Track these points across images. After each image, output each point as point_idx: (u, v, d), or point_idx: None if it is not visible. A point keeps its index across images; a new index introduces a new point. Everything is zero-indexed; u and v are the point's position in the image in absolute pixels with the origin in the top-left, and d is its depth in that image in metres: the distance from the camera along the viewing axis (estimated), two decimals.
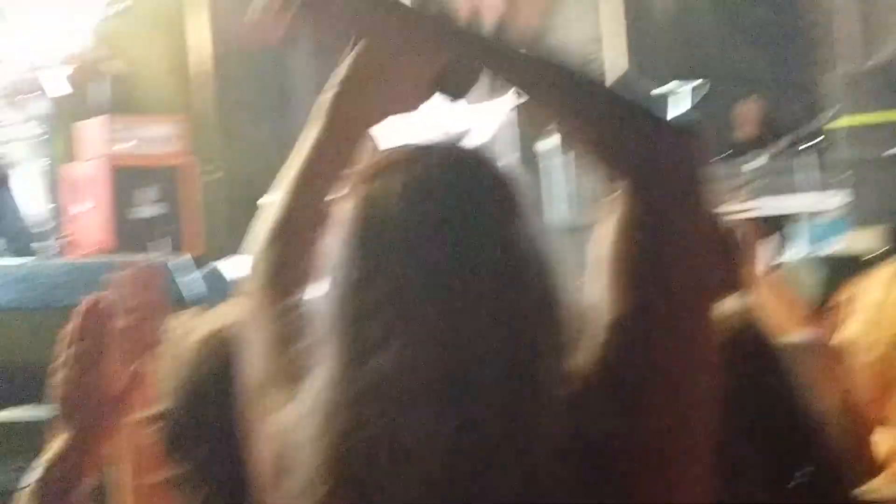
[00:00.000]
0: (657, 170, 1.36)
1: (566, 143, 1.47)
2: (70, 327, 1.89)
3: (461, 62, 1.54)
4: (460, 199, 1.35)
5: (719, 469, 1.36)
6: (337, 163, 1.53)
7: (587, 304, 1.39)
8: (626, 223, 1.35)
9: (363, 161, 1.49)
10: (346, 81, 1.55)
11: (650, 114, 1.41)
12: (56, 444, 1.85)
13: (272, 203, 1.56)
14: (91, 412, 1.86)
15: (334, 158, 1.54)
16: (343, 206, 1.40)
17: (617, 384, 1.32)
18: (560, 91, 1.43)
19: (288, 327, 1.46)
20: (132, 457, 1.88)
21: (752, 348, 1.67)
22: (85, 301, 1.89)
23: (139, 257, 6.74)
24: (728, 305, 1.65)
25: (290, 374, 1.41)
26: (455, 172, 1.37)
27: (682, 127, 1.41)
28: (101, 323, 1.88)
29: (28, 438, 4.28)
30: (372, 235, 1.35)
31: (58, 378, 1.89)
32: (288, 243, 1.52)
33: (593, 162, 1.41)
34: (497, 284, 1.32)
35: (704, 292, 1.39)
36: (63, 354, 1.88)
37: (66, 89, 5.65)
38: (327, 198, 1.52)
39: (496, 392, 1.30)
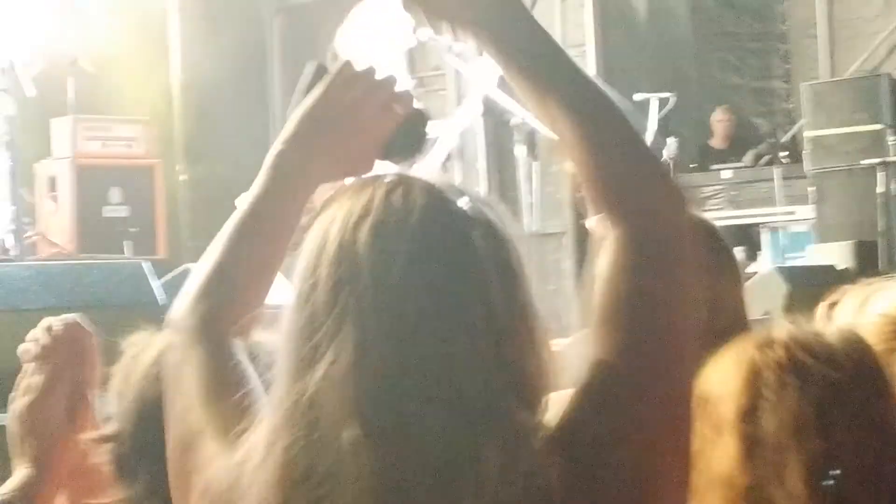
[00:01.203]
0: (654, 220, 1.39)
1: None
2: (35, 353, 1.88)
3: (409, 126, 1.53)
4: (409, 227, 1.33)
5: None
6: (278, 218, 1.53)
7: (572, 345, 1.39)
8: (617, 268, 1.36)
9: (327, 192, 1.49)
10: (292, 140, 1.54)
11: (653, 164, 1.43)
12: (14, 477, 1.84)
13: (209, 250, 1.55)
14: (41, 447, 1.85)
15: (275, 214, 1.53)
16: (303, 234, 1.40)
17: (593, 429, 1.30)
18: (573, 123, 1.42)
19: (224, 374, 1.44)
20: (82, 479, 1.86)
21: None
22: (30, 337, 1.88)
23: (102, 258, 6.70)
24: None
25: (225, 423, 1.39)
26: (405, 199, 1.36)
27: (676, 178, 1.43)
28: (47, 357, 1.87)
29: None
30: (325, 265, 1.33)
31: (10, 412, 1.89)
32: (222, 293, 1.51)
33: (589, 199, 1.42)
34: (454, 311, 1.30)
35: (689, 340, 1.39)
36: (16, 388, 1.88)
37: (32, 90, 5.58)
38: (267, 249, 1.53)
39: (445, 435, 1.27)
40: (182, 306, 1.52)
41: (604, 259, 1.37)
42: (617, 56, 10.12)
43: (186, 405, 1.45)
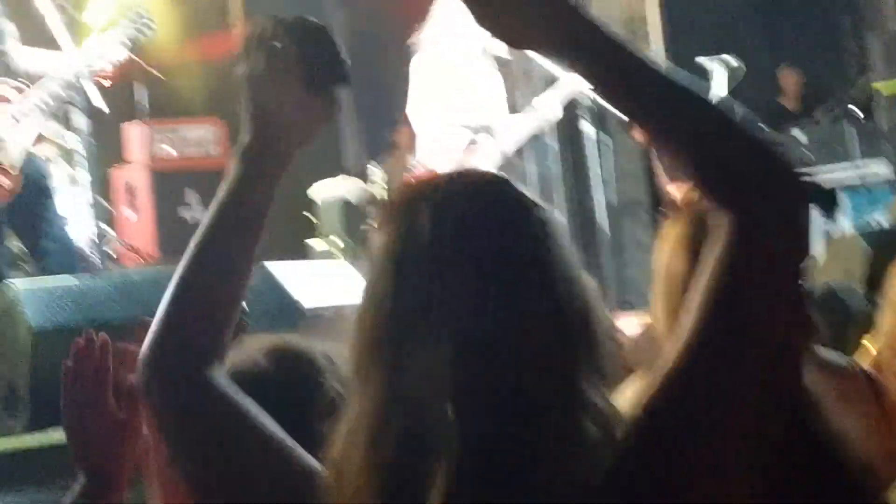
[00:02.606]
0: (769, 209, 1.34)
1: (669, 159, 1.43)
2: (65, 372, 1.91)
3: (320, 50, 1.60)
4: (488, 228, 1.36)
5: None
6: (250, 211, 1.58)
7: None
8: (727, 256, 1.34)
9: (393, 190, 1.51)
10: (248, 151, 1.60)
11: (770, 150, 1.38)
12: (75, 488, 1.88)
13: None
14: (96, 456, 1.89)
15: (247, 205, 1.58)
16: (373, 236, 1.42)
17: (677, 422, 1.30)
18: (680, 115, 1.39)
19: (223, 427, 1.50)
20: (157, 480, 1.89)
21: None
22: (74, 345, 1.92)
23: None
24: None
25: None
26: (482, 200, 1.39)
27: (795, 165, 1.38)
28: (92, 367, 1.90)
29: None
30: (403, 267, 1.37)
31: (63, 421, 1.92)
32: (192, 318, 1.55)
33: (698, 187, 1.39)
34: (527, 305, 1.33)
35: (795, 336, 1.37)
36: (63, 399, 1.91)
37: (104, 105, 5.66)
38: (240, 247, 1.58)
39: (530, 431, 1.30)
40: (151, 341, 1.55)
41: (712, 244, 1.35)
42: (680, 20, 10.02)
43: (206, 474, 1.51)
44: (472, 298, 1.32)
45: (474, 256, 1.34)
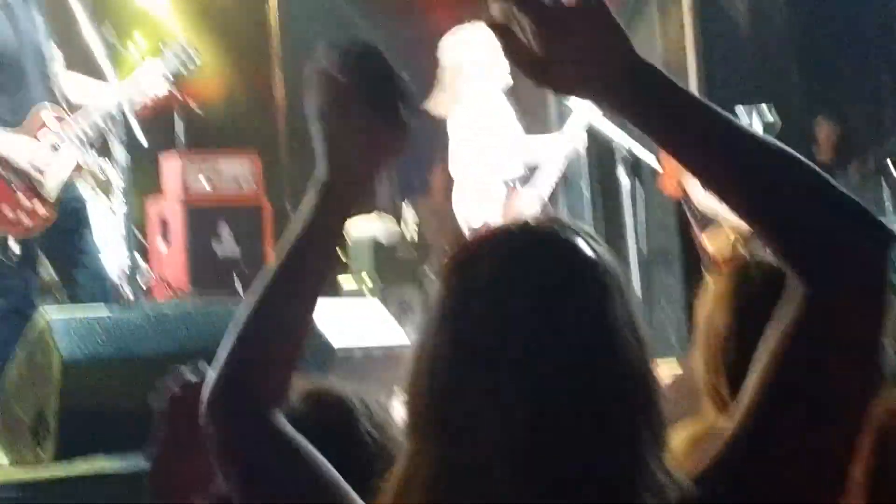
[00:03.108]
0: (847, 283, 1.30)
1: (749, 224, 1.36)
2: (162, 408, 1.89)
3: (383, 82, 1.57)
4: (548, 285, 1.33)
5: None
6: (320, 250, 1.55)
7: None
8: (798, 326, 1.30)
9: (451, 244, 1.50)
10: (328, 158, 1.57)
11: (856, 218, 1.32)
12: None
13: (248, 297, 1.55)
14: (180, 498, 1.87)
15: (319, 247, 1.55)
16: (433, 291, 1.40)
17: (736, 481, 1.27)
18: (758, 174, 1.33)
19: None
20: None
21: None
22: (172, 388, 1.89)
23: (216, 301, 6.79)
24: None
25: None
26: (543, 257, 1.36)
27: (881, 236, 1.31)
28: (190, 412, 1.88)
29: (111, 488, 4.34)
30: (462, 324, 1.34)
31: (149, 455, 1.90)
32: (257, 359, 1.52)
33: (771, 247, 1.34)
34: (591, 370, 1.30)
35: (859, 407, 1.32)
36: (155, 432, 1.89)
37: (144, 140, 5.69)
38: (308, 292, 1.55)
39: (589, 483, 1.28)
40: (217, 383, 1.53)
41: (783, 315, 1.32)
42: (719, 68, 10.02)
43: None
44: (536, 368, 1.30)
45: (536, 323, 1.31)
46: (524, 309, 1.32)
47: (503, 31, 1.41)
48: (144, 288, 7.69)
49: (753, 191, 1.33)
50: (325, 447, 1.61)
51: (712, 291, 2.28)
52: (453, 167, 6.88)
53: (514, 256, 1.36)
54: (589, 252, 1.36)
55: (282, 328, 1.53)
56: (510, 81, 6.62)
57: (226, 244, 8.54)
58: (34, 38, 5.77)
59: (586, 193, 7.85)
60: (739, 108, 7.80)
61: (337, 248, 1.59)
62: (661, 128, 1.37)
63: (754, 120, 7.58)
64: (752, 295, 2.13)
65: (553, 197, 7.23)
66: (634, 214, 7.36)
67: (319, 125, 1.57)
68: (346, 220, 1.58)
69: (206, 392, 1.53)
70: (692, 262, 7.69)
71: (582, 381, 1.30)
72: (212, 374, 1.54)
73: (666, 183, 7.67)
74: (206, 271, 8.36)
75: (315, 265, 1.55)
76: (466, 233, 6.81)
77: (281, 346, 1.53)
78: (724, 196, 1.36)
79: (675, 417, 1.63)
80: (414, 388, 1.37)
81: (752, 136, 1.36)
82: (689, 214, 7.60)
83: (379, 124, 1.55)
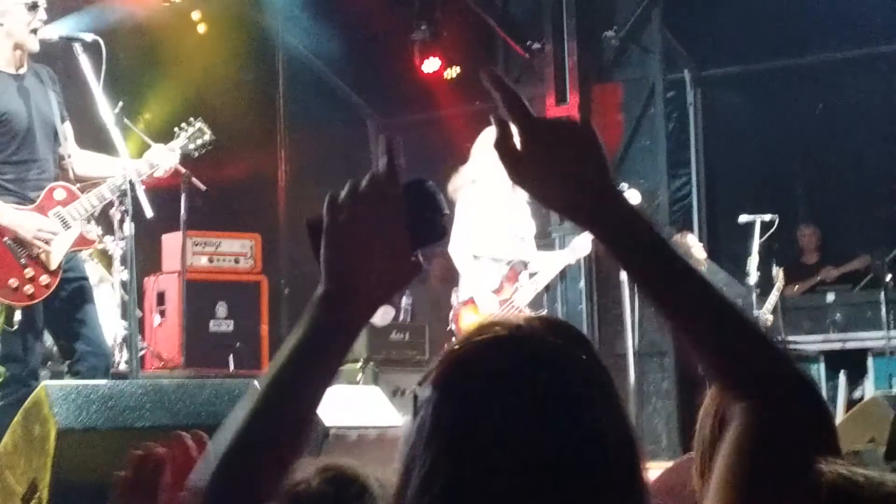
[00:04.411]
0: (780, 400, 1.43)
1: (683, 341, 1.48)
2: (120, 478, 1.90)
3: (421, 206, 1.51)
4: (539, 396, 1.35)
5: None
6: (323, 364, 1.49)
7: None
8: (742, 441, 1.42)
9: (443, 347, 1.49)
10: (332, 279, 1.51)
11: (781, 353, 1.46)
12: None
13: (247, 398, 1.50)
14: None
15: (321, 359, 1.49)
16: (423, 394, 1.41)
17: None
18: (703, 312, 1.45)
19: None
20: None
21: None
22: (134, 455, 1.91)
23: (211, 378, 6.79)
24: None
25: None
26: (534, 371, 1.37)
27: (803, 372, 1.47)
28: (150, 477, 1.89)
29: None
30: (456, 435, 1.35)
31: None
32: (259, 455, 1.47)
33: (713, 375, 1.48)
34: (586, 476, 1.33)
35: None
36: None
37: (150, 212, 5.75)
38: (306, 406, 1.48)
39: None
40: (215, 475, 1.48)
41: (731, 431, 1.43)
42: (721, 177, 10.14)
43: None
44: (529, 478, 1.33)
45: (527, 435, 1.34)
46: (516, 423, 1.34)
47: (502, 126, 1.46)
48: (140, 359, 7.70)
49: (700, 331, 1.45)
50: None
51: (704, 403, 2.32)
52: (451, 247, 6.95)
53: (506, 372, 1.37)
54: (580, 363, 1.39)
55: (282, 430, 1.50)
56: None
57: (220, 319, 8.55)
58: (49, 116, 5.86)
59: (582, 286, 7.88)
60: (744, 217, 7.90)
61: (337, 361, 1.50)
62: (623, 259, 1.46)
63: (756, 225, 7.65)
64: None
65: (547, 287, 7.30)
66: (633, 310, 7.40)
67: (336, 240, 1.51)
68: (343, 342, 1.50)
69: (200, 480, 1.50)
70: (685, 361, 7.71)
71: (575, 492, 1.33)
72: (207, 464, 1.51)
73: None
74: (200, 345, 8.37)
75: (315, 379, 1.50)
76: (457, 305, 6.89)
77: (279, 447, 1.50)
78: (674, 320, 1.46)
79: None
80: (402, 490, 1.38)
81: (712, 293, 1.46)
82: None
83: (398, 255, 1.50)
